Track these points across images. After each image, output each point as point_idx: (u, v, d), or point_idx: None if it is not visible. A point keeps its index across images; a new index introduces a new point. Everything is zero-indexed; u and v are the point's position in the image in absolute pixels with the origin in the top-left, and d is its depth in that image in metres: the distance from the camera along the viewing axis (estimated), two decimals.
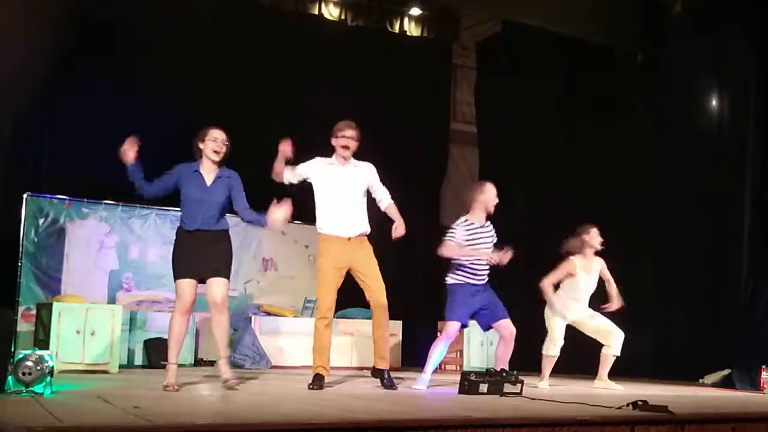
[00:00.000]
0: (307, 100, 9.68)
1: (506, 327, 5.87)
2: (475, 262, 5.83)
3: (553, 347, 6.60)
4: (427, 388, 5.73)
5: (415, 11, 10.68)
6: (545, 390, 6.07)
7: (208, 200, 5.02)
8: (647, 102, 9.14)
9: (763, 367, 6.66)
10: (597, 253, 6.72)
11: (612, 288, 6.74)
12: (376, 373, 5.64)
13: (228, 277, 5.12)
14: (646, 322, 8.70)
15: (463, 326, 5.99)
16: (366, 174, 5.67)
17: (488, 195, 5.96)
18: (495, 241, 6.02)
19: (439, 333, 6.22)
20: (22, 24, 7.34)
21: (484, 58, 11.24)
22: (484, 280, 5.90)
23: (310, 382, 5.36)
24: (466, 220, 5.91)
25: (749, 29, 7.85)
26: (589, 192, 9.18)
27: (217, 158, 5.09)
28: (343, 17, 10.24)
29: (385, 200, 5.73)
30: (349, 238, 5.51)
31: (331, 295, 5.44)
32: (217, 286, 5.04)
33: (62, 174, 8.52)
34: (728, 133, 8.13)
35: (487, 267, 5.88)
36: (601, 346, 6.73)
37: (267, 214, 5.04)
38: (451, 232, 5.85)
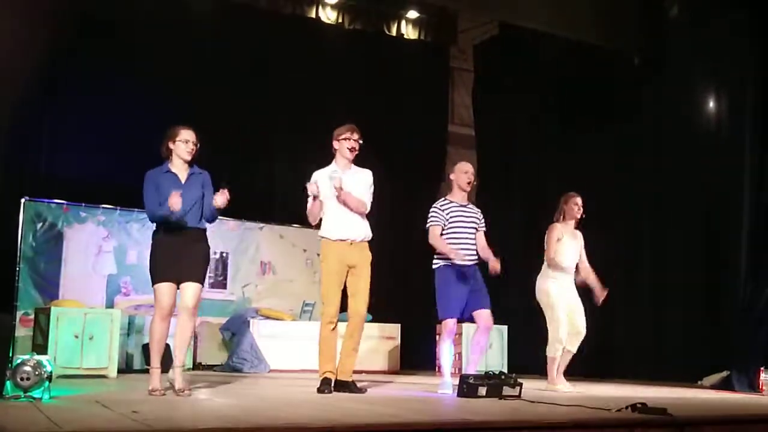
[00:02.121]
0: (305, 102, 9.69)
1: (485, 318, 5.78)
2: (457, 242, 5.78)
3: (557, 345, 6.22)
4: (452, 390, 5.60)
5: (413, 14, 10.69)
6: (570, 392, 5.97)
7: (185, 197, 4.93)
8: (646, 103, 9.14)
9: (762, 368, 6.66)
10: (579, 227, 6.52)
11: (588, 274, 6.39)
12: (342, 386, 5.36)
13: (203, 282, 5.06)
14: (645, 324, 8.71)
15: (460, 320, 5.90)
16: (366, 180, 5.61)
17: (457, 173, 5.96)
18: (481, 226, 5.95)
19: (437, 336, 6.20)
20: (20, 27, 7.33)
21: (482, 61, 11.25)
22: (469, 261, 5.83)
23: (320, 386, 5.27)
24: (444, 200, 5.94)
25: (748, 29, 7.86)
26: (588, 193, 9.18)
27: (189, 158, 5.08)
28: (340, 20, 10.23)
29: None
30: (351, 243, 5.46)
31: (336, 301, 5.42)
32: (191, 290, 4.96)
33: (60, 178, 8.51)
34: (727, 133, 8.14)
35: (472, 249, 5.83)
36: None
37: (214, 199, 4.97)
38: (432, 214, 5.85)
